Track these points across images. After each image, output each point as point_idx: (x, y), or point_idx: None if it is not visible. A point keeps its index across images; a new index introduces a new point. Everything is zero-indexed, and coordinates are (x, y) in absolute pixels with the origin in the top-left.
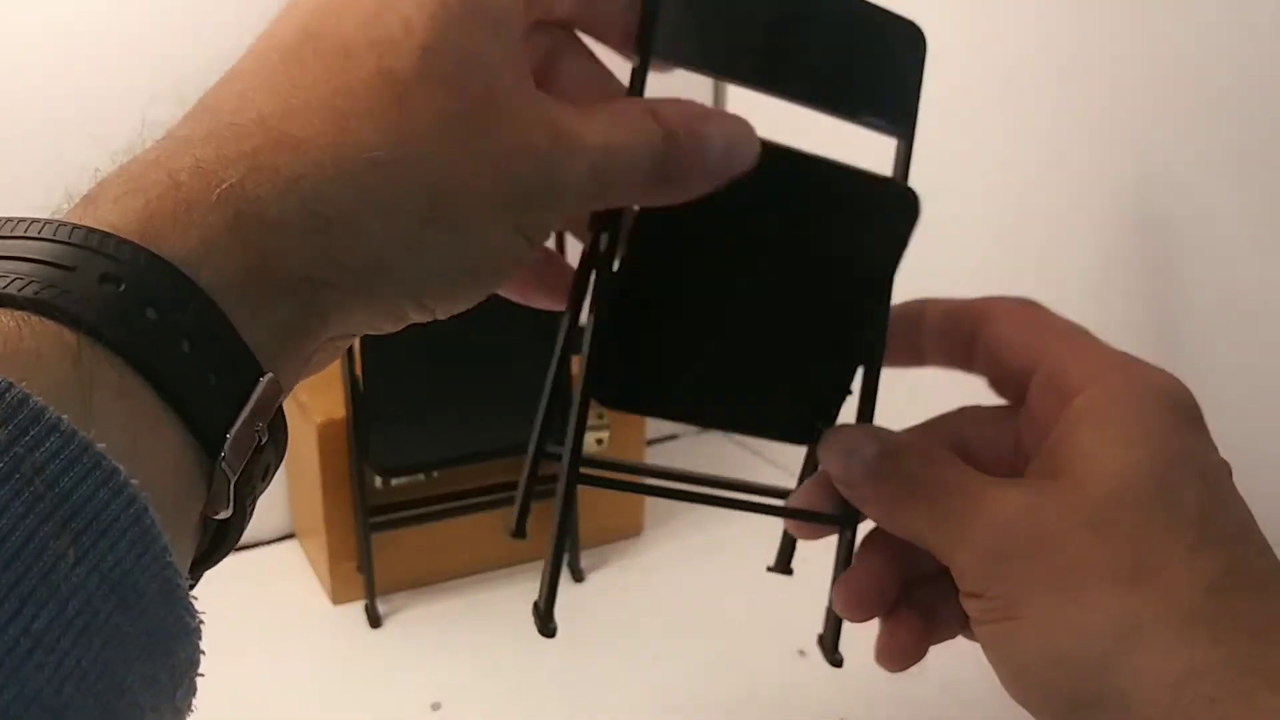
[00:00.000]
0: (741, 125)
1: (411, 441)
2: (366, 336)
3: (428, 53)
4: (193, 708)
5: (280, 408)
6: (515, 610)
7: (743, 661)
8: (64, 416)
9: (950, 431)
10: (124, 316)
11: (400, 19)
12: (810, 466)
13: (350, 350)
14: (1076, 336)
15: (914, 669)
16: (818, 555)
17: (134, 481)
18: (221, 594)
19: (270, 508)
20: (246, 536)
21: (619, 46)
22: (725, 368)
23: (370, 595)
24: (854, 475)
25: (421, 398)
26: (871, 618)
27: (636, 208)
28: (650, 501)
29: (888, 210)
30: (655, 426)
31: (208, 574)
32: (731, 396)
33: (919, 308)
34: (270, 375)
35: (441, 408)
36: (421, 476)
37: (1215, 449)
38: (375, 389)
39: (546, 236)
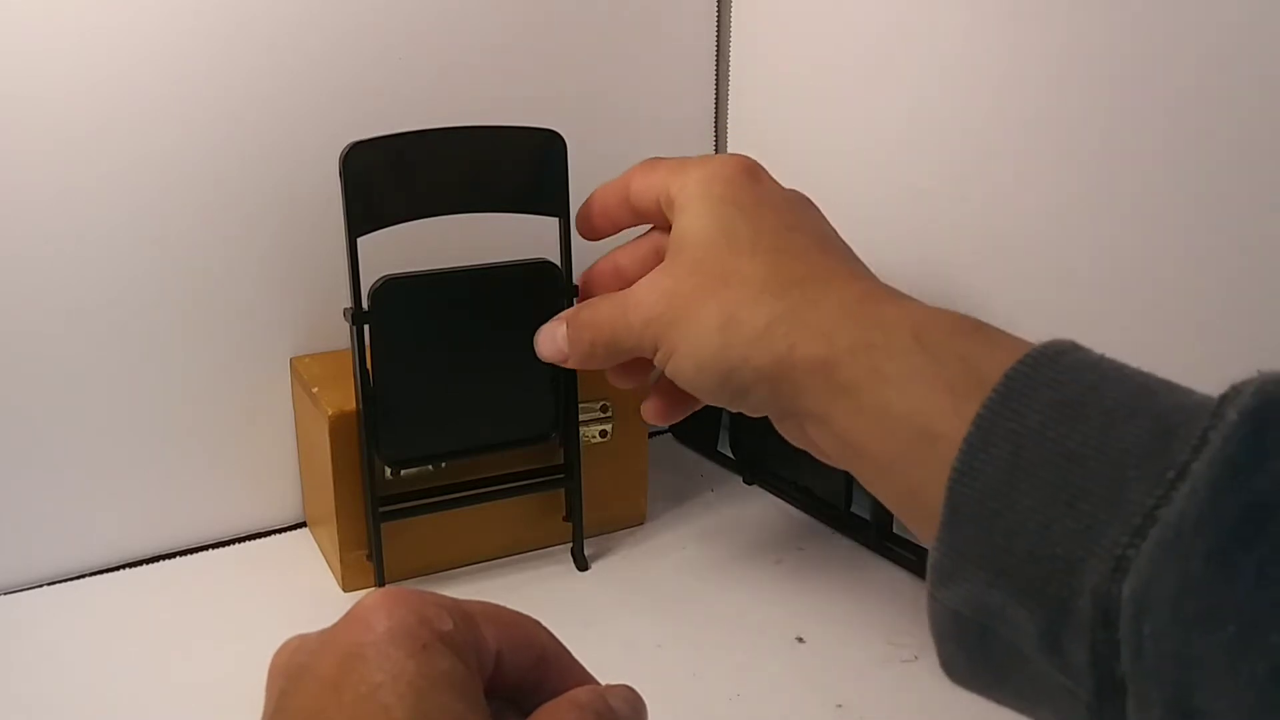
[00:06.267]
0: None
1: (420, 434)
2: (376, 332)
3: None
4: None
5: None
6: (519, 597)
7: (742, 648)
8: None
9: (611, 271)
10: None
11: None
12: None
13: (361, 345)
14: (676, 161)
15: (910, 655)
16: (815, 547)
17: None
18: (235, 580)
19: (283, 497)
20: (259, 524)
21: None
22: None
23: (379, 582)
24: (562, 353)
25: (430, 391)
26: (671, 420)
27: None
28: (652, 491)
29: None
30: None
31: (222, 561)
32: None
33: (587, 203)
34: None
35: (450, 401)
36: (430, 467)
37: (778, 188)
38: (385, 382)
39: None
